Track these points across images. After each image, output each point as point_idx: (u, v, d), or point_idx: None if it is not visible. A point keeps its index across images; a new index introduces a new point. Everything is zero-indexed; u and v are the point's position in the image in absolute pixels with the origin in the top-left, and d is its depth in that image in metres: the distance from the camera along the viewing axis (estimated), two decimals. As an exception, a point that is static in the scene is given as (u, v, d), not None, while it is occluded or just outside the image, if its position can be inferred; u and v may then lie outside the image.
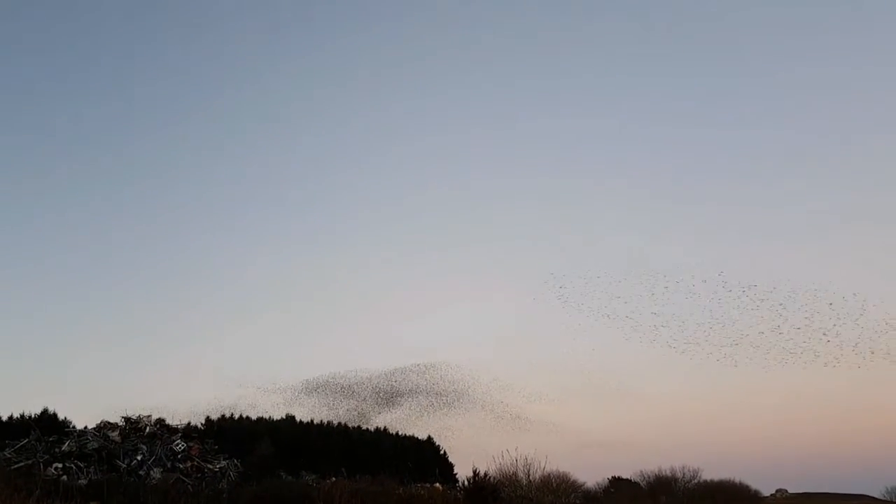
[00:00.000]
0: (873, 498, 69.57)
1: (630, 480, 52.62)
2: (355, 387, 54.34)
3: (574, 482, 42.64)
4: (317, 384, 54.41)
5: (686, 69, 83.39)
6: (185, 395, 64.34)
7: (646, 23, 75.06)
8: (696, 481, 52.20)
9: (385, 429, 45.48)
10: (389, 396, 54.31)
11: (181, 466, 32.15)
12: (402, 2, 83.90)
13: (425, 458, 44.16)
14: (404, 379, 54.88)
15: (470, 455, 53.87)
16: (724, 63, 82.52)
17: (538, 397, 56.53)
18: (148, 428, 34.71)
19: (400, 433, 46.04)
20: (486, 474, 36.11)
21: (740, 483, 56.62)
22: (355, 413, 51.99)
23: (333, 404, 52.84)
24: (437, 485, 39.53)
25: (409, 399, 54.08)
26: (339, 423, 44.28)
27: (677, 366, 62.91)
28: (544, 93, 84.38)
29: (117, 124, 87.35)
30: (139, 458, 31.67)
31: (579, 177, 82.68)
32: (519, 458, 37.80)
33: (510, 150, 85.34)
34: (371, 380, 55.05)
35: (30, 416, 34.64)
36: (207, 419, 40.43)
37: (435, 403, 53.21)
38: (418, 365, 55.90)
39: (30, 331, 73.77)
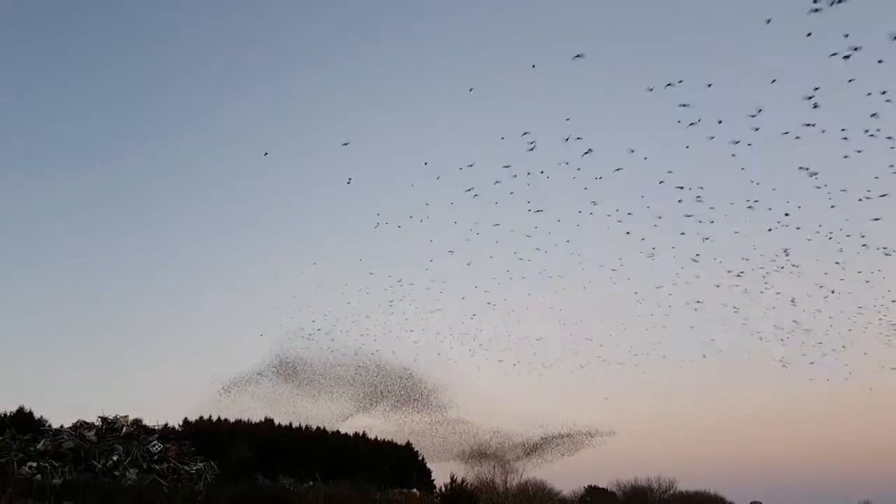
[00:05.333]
0: (846, 511, 70.65)
1: (606, 490, 53.09)
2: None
3: (550, 490, 43.11)
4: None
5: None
6: (163, 396, 63.76)
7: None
8: (671, 492, 52.89)
9: (364, 433, 45.39)
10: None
11: (157, 468, 32.05)
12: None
13: (403, 463, 44.25)
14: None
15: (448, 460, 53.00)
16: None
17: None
18: (125, 428, 34.55)
19: (378, 438, 46.07)
20: (463, 481, 36.44)
21: (715, 495, 57.40)
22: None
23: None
24: (415, 490, 39.72)
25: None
26: (318, 427, 44.16)
27: (655, 375, 63.27)
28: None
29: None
30: (115, 458, 31.53)
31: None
32: (496, 465, 38.20)
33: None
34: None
35: (5, 414, 34.13)
36: (185, 421, 40.16)
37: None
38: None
39: (6, 329, 72.84)
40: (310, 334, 47.54)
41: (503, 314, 48.63)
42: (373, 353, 48.13)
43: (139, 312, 76.89)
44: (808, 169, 29.62)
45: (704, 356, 48.42)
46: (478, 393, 54.90)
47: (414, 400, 48.97)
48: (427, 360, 51.24)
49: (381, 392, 49.26)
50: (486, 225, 38.61)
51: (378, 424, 49.08)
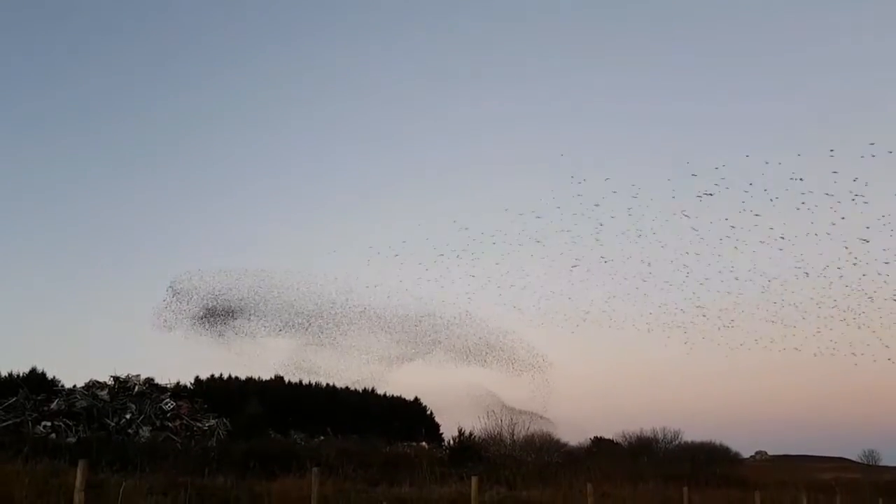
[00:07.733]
0: (850, 460, 71.72)
1: (612, 441, 53.69)
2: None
3: (557, 441, 43.63)
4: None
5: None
6: (174, 355, 64.49)
7: None
8: (676, 443, 53.40)
9: (373, 389, 45.95)
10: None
11: (170, 425, 32.40)
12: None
13: (412, 418, 44.89)
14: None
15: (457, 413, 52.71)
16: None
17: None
18: (137, 387, 34.84)
19: (388, 394, 46.61)
20: (471, 434, 36.82)
21: (720, 445, 58.03)
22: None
23: None
24: (423, 444, 40.30)
25: None
26: (328, 384, 44.72)
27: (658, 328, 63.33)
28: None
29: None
30: (128, 416, 31.84)
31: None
32: (504, 417, 38.49)
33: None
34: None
35: (18, 375, 34.60)
36: (196, 378, 40.68)
37: None
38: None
39: (18, 289, 73.56)
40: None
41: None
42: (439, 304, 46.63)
43: (147, 272, 77.48)
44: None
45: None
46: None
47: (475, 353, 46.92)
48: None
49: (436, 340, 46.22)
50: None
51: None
